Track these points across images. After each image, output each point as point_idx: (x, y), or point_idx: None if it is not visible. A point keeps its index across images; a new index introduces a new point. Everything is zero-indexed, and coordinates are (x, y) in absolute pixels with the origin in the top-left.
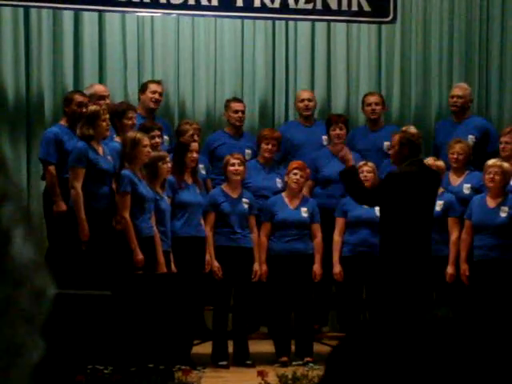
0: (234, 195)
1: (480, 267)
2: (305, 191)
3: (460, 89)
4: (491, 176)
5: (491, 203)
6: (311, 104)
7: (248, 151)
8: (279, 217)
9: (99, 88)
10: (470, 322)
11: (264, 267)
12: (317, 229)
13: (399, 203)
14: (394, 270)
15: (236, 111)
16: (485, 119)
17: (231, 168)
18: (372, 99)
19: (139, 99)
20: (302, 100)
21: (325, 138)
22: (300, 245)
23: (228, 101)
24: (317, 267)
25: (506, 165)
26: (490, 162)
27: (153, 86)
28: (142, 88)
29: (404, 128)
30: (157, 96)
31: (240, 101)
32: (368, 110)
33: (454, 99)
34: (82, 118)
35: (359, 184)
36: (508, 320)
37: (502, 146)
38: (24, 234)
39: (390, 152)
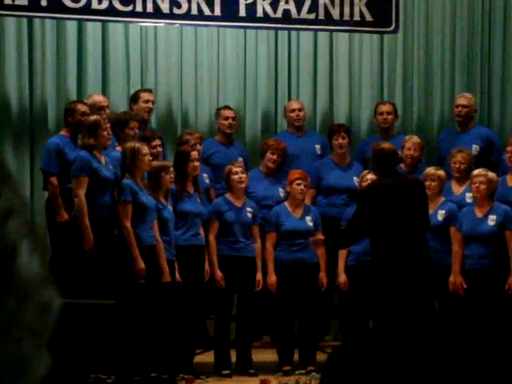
0: (238, 204)
1: (471, 276)
2: (307, 200)
3: (464, 98)
4: (476, 185)
5: (479, 213)
6: (301, 114)
7: (240, 159)
8: (285, 227)
9: (98, 98)
10: (460, 334)
11: (273, 278)
12: (320, 236)
13: (377, 215)
14: (384, 279)
15: (226, 118)
16: (488, 129)
17: (235, 176)
18: (384, 108)
19: (131, 109)
20: (293, 110)
21: (318, 147)
22: (306, 254)
23: (218, 109)
24: (323, 275)
25: (491, 174)
26: (476, 171)
27: (145, 96)
28: (134, 98)
29: (407, 137)
30: (150, 105)
31: (230, 108)
32: (380, 119)
33: (459, 108)
34: (83, 127)
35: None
36: (499, 328)
37: (508, 155)
38: (30, 248)
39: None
